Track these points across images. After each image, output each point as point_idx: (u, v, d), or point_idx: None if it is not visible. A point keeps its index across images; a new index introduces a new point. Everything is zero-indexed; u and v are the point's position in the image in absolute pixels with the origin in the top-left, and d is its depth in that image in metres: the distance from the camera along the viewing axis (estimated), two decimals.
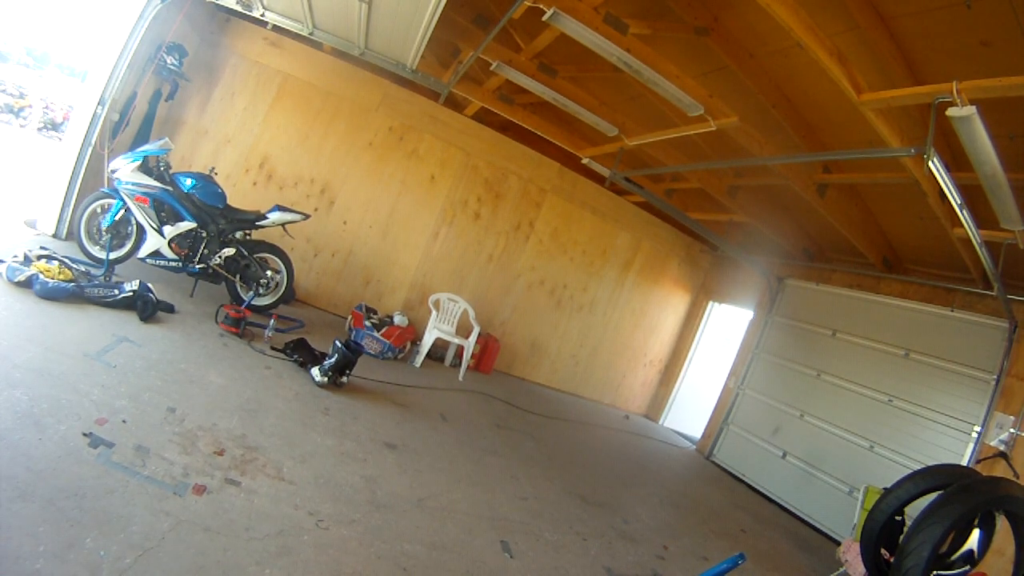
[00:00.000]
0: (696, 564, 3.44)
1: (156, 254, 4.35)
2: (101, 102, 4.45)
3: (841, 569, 3.73)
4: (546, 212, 7.09)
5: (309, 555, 2.05)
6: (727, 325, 8.32)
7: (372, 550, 2.24)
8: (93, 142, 4.49)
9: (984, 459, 4.28)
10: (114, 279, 3.85)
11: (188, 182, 4.40)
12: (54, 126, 10.97)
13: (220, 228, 4.53)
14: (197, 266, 4.45)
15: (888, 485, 3.38)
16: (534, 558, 2.73)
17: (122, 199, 4.24)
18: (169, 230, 4.33)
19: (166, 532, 1.84)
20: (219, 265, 4.52)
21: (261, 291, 4.70)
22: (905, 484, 3.18)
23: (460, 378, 5.84)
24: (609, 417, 7.26)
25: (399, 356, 5.52)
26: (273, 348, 4.18)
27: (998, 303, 4.58)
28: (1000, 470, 4.10)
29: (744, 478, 6.24)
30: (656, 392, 8.48)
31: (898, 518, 3.16)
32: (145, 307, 3.60)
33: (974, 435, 4.49)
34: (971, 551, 3.18)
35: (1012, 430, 4.26)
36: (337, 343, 3.92)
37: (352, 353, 3.95)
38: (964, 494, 2.80)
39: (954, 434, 4.64)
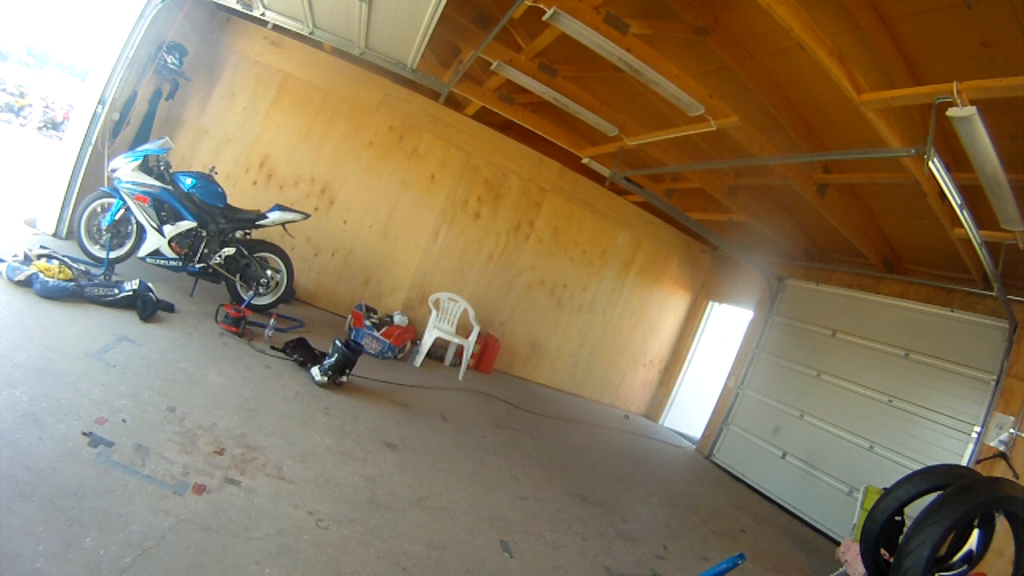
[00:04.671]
0: (696, 564, 3.44)
1: (156, 253, 4.35)
2: (101, 101, 4.45)
3: (841, 569, 3.73)
4: (546, 212, 7.09)
5: (309, 554, 2.05)
6: (727, 325, 8.32)
7: (372, 550, 2.24)
8: (93, 141, 4.49)
9: (984, 459, 4.28)
10: (114, 278, 3.85)
11: (188, 181, 4.40)
12: (54, 125, 10.97)
13: (220, 227, 4.53)
14: (197, 265, 4.45)
15: (888, 485, 3.38)
16: (534, 558, 2.73)
17: (122, 198, 4.24)
18: (169, 229, 4.33)
19: (166, 531, 1.84)
20: (219, 264, 4.52)
21: (261, 290, 4.70)
22: (905, 484, 3.17)
23: (460, 378, 5.84)
24: (609, 417, 7.26)
25: (399, 356, 5.52)
26: (273, 347, 4.18)
27: (998, 303, 4.58)
28: (1000, 470, 4.11)
29: (744, 478, 6.25)
30: (656, 392, 8.48)
31: (898, 518, 3.16)
32: (145, 306, 3.60)
33: (974, 435, 4.49)
34: (971, 552, 3.18)
35: (1012, 430, 4.26)
36: (337, 342, 3.92)
37: (352, 352, 3.95)
38: (964, 494, 2.80)
39: (954, 434, 4.64)
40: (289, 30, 5.10)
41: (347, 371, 3.96)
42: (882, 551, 3.17)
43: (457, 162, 6.56)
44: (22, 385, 2.28)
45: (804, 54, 3.16)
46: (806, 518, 5.39)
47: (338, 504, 2.47)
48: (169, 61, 4.91)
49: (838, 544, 4.29)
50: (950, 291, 5.15)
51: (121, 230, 4.34)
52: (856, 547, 3.48)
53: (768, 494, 5.86)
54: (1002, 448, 4.24)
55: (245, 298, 4.60)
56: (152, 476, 2.10)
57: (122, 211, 4.27)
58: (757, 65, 4.07)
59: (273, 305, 4.79)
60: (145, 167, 4.28)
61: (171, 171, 4.41)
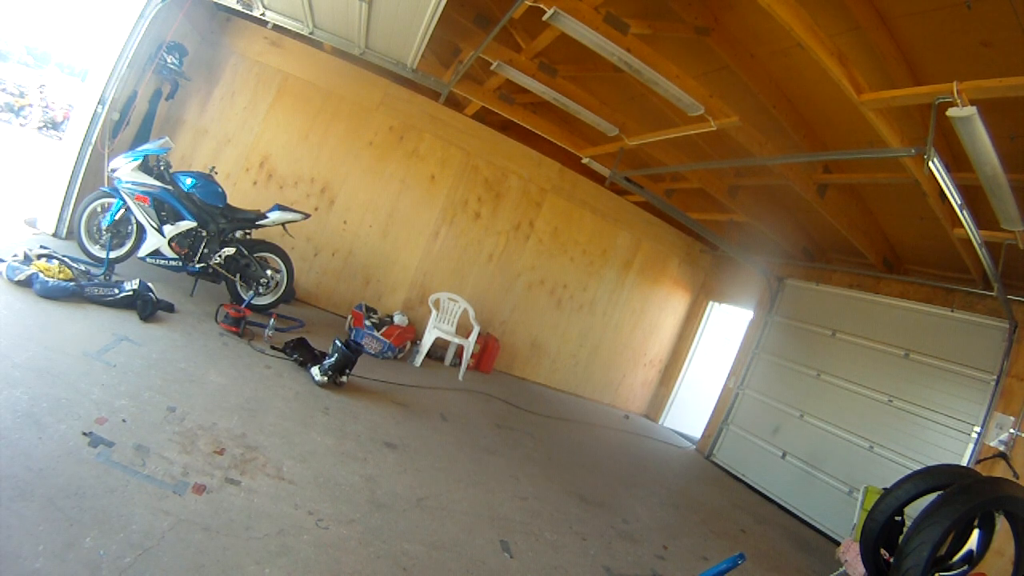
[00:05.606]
0: (696, 564, 3.44)
1: (156, 253, 4.35)
2: (101, 101, 4.45)
3: (841, 569, 3.73)
4: (546, 212, 7.09)
5: (309, 554, 2.05)
6: (727, 325, 8.32)
7: (372, 550, 2.24)
8: (93, 141, 4.49)
9: (984, 459, 4.28)
10: (114, 278, 3.85)
11: (188, 181, 4.40)
12: (54, 125, 10.96)
13: (220, 227, 4.53)
14: (197, 265, 4.45)
15: (888, 485, 3.38)
16: (534, 558, 2.73)
17: (122, 198, 4.24)
18: (169, 229, 4.33)
19: (166, 531, 1.84)
20: (219, 264, 4.52)
21: (261, 290, 4.70)
22: (905, 484, 3.17)
23: (460, 378, 5.84)
24: (609, 417, 7.26)
25: (399, 356, 5.52)
26: (273, 347, 4.18)
27: (998, 303, 4.58)
28: (1000, 470, 4.10)
29: (744, 478, 6.25)
30: (656, 392, 8.48)
31: (898, 518, 3.16)
32: (145, 306, 3.60)
33: (974, 435, 4.49)
34: (971, 552, 3.18)
35: (1012, 430, 4.26)
36: (337, 342, 3.92)
37: (352, 352, 3.95)
38: (964, 495, 2.80)
39: (954, 434, 4.64)
40: (289, 30, 5.10)
41: (347, 371, 3.96)
42: (882, 551, 3.17)
43: (457, 162, 6.56)
44: (22, 385, 2.28)
45: (804, 54, 3.16)
46: (806, 518, 5.39)
47: (338, 504, 2.47)
48: (169, 61, 4.91)
49: (838, 544, 4.29)
50: (950, 291, 5.15)
51: (121, 230, 4.33)
52: (856, 547, 3.48)
53: (768, 494, 5.86)
54: (1002, 448, 4.24)
55: (245, 298, 4.60)
56: (152, 476, 2.10)
57: (122, 211, 4.27)
58: (757, 65, 4.07)
59: (273, 305, 4.79)
60: (145, 167, 4.28)
61: (171, 171, 4.41)
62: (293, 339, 4.29)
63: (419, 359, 5.57)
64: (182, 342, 3.56)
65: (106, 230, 4.26)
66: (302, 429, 3.08)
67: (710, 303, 8.37)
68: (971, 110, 2.54)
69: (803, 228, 6.54)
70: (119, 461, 2.09)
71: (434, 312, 5.96)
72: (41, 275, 3.27)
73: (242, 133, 5.91)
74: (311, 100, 6.02)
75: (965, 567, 3.16)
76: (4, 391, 2.19)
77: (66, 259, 3.67)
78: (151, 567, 1.67)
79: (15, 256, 3.36)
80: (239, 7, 4.76)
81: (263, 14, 4.85)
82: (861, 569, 3.31)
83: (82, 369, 2.63)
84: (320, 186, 6.14)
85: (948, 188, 3.15)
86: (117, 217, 4.27)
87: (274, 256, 4.79)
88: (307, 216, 4.91)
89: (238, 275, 4.63)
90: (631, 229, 7.68)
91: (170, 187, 4.34)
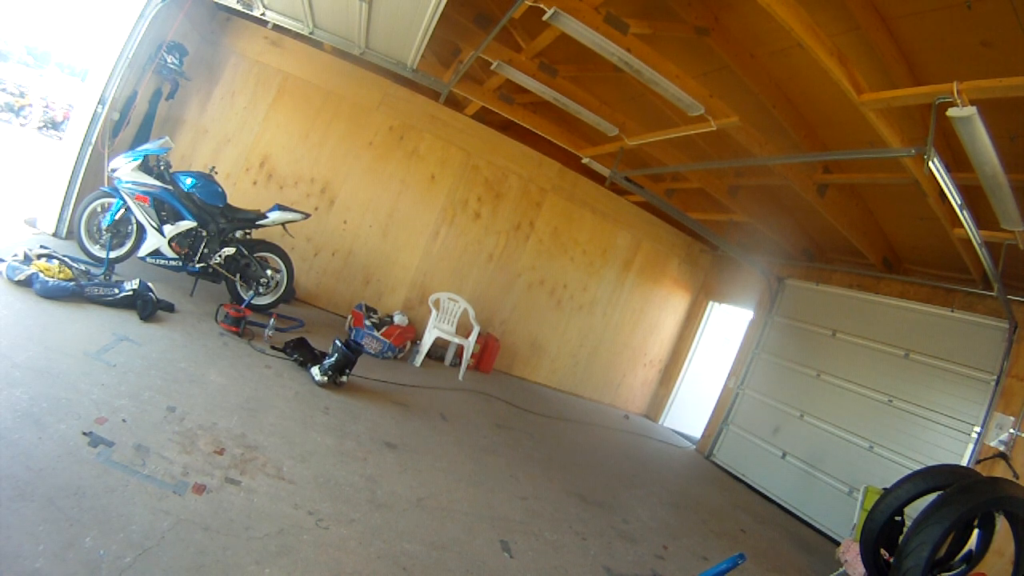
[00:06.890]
0: (696, 564, 3.44)
1: (156, 253, 4.35)
2: (101, 101, 4.44)
3: (841, 569, 3.73)
4: (546, 212, 7.09)
5: (309, 554, 2.05)
6: (727, 325, 8.32)
7: (372, 549, 2.24)
8: (93, 141, 4.49)
9: (984, 460, 4.28)
10: (114, 278, 3.85)
11: (188, 181, 4.40)
12: (54, 125, 10.96)
13: (220, 227, 4.53)
14: (197, 265, 4.45)
15: (888, 485, 3.38)
16: (534, 558, 2.73)
17: (122, 198, 4.24)
18: (169, 229, 4.33)
19: (166, 531, 1.84)
20: (219, 264, 4.52)
21: (261, 290, 4.70)
22: (905, 484, 3.17)
23: (460, 378, 5.84)
24: (609, 417, 7.26)
25: (399, 355, 5.52)
26: (273, 347, 4.18)
27: (998, 303, 4.58)
28: (1000, 470, 4.11)
29: (744, 478, 6.25)
30: (656, 392, 8.48)
31: (898, 519, 3.16)
32: (145, 306, 3.60)
33: (974, 436, 4.49)
34: (971, 552, 3.18)
35: (1012, 431, 4.26)
36: (337, 342, 3.92)
37: (352, 352, 3.95)
38: (964, 495, 2.80)
39: (954, 434, 4.64)
40: (289, 30, 5.10)
41: (347, 371, 3.96)
42: (882, 551, 3.17)
43: (457, 162, 6.56)
44: (22, 385, 2.28)
45: (804, 54, 3.16)
46: (806, 518, 5.39)
47: (338, 504, 2.47)
48: (169, 61, 4.91)
49: (838, 544, 4.29)
50: (950, 291, 5.15)
51: (121, 230, 4.34)
52: (856, 547, 3.48)
53: (768, 494, 5.86)
54: (1002, 448, 4.24)
55: (245, 298, 4.60)
56: (152, 476, 2.10)
57: (122, 211, 4.27)
58: (757, 65, 4.07)
59: (273, 305, 4.79)
60: (145, 167, 4.28)
61: (171, 171, 4.41)
62: (293, 339, 4.29)
63: (419, 359, 5.57)
64: (182, 342, 3.56)
65: (106, 230, 4.26)
66: (302, 429, 3.08)
67: (710, 303, 8.37)
68: (971, 110, 2.54)
69: (803, 228, 6.54)
70: (119, 461, 2.09)
71: (434, 312, 5.96)
72: (41, 275, 3.27)
73: (242, 133, 5.91)
74: (311, 100, 6.02)
75: (965, 567, 3.16)
76: (4, 391, 2.19)
77: (66, 259, 3.67)
78: (151, 567, 1.67)
79: (15, 256, 3.36)
80: (239, 7, 4.76)
81: (263, 14, 4.85)
82: (861, 569, 3.31)
83: (82, 369, 2.63)
84: (320, 186, 6.14)
85: (948, 188, 3.15)
86: (117, 217, 4.27)
87: (274, 256, 4.79)
88: (307, 216, 4.91)
89: (238, 275, 4.63)
90: (631, 229, 7.68)
91: (170, 187, 4.34)
